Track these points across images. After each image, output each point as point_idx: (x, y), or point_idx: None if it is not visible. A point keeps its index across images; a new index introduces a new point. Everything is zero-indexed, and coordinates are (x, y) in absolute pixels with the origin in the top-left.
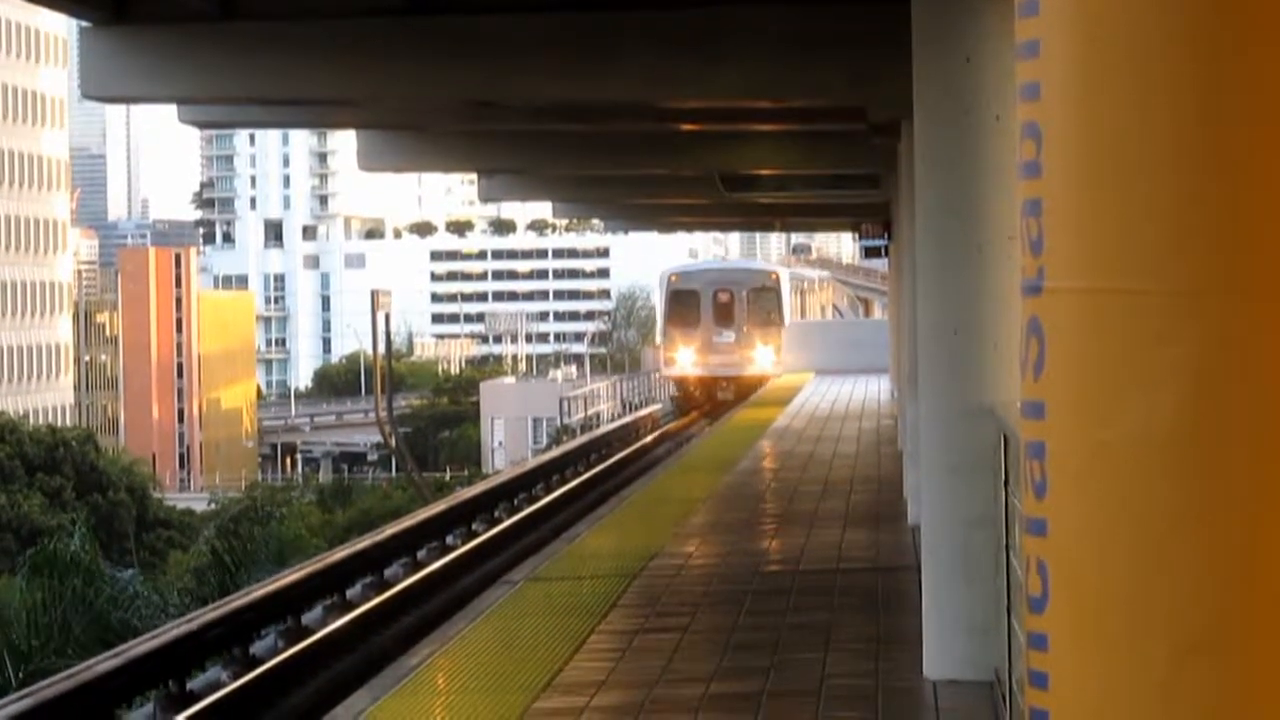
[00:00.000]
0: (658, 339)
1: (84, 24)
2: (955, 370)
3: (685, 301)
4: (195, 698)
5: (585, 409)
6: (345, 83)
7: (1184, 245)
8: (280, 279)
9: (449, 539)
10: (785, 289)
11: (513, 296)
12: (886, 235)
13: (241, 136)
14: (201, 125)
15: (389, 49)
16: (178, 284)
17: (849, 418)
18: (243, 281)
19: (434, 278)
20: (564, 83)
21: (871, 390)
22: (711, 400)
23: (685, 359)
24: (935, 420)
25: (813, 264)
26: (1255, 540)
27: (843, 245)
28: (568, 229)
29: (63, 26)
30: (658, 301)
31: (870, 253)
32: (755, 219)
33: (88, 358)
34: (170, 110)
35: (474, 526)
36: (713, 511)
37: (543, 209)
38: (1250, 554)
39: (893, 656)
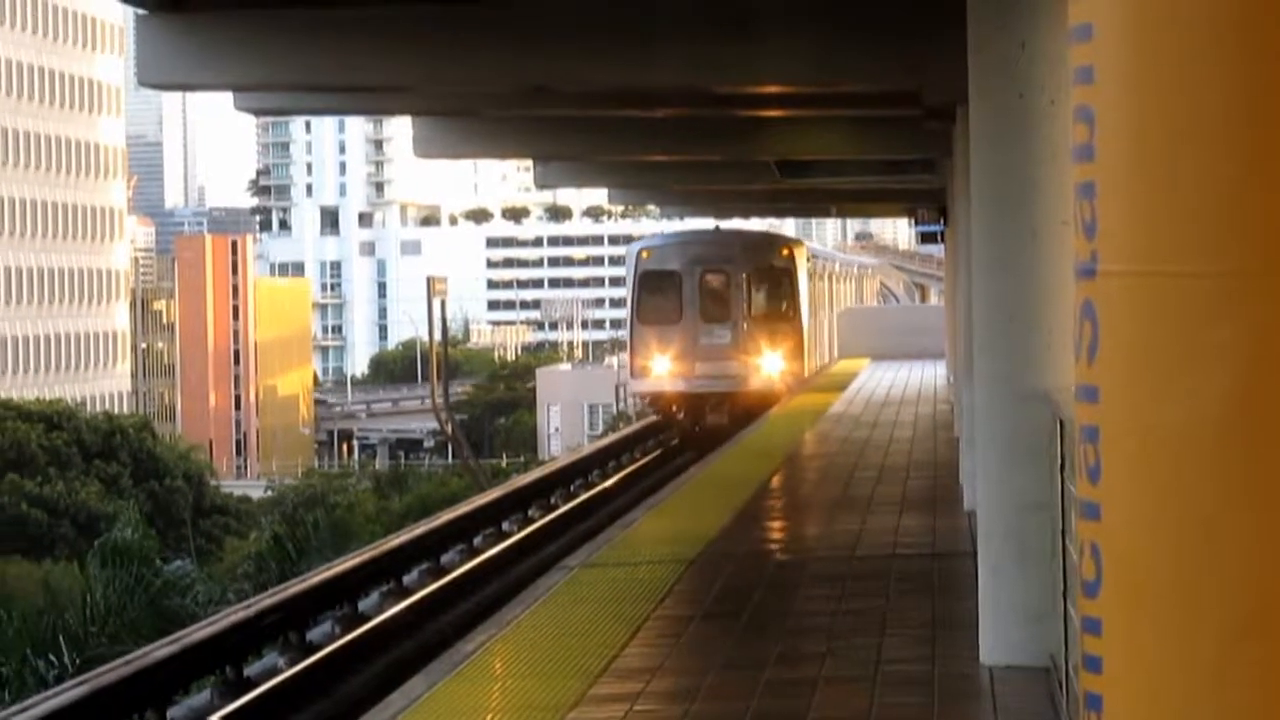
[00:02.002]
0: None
1: (140, 11)
2: (1010, 355)
3: (660, 287)
4: (252, 684)
5: None
6: (401, 69)
7: (1235, 227)
8: (336, 266)
9: (505, 525)
10: (802, 269)
11: (568, 283)
12: (942, 220)
13: (297, 123)
14: (257, 112)
15: (445, 34)
16: (234, 271)
17: (905, 403)
18: (299, 269)
19: (490, 264)
20: (615, 68)
21: (928, 376)
22: (698, 424)
23: (661, 368)
24: (991, 405)
25: (866, 250)
26: None
27: (899, 231)
28: (624, 215)
29: (119, 14)
30: (626, 286)
31: (926, 238)
32: (811, 205)
33: (145, 345)
34: (226, 97)
35: (530, 512)
36: (768, 496)
37: (598, 195)
38: None
39: (948, 642)
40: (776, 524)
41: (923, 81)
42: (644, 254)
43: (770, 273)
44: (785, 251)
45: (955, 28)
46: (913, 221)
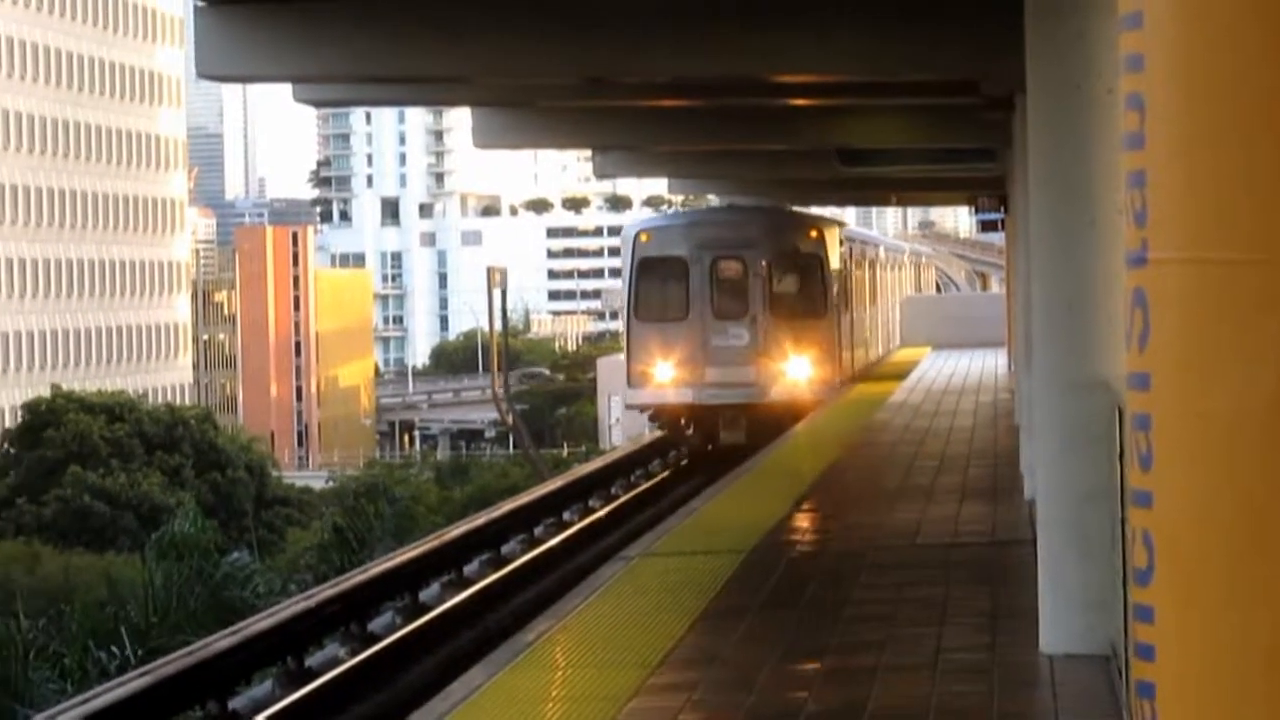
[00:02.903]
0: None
1: (199, 3)
2: (1069, 344)
3: (663, 277)
4: (313, 675)
5: None
6: (459, 60)
7: None
8: (397, 257)
9: (566, 515)
10: (834, 254)
11: None
12: (1002, 209)
13: (357, 115)
14: (317, 104)
15: (504, 25)
16: (295, 262)
17: (966, 392)
18: (359, 259)
19: (550, 254)
20: (674, 57)
21: (989, 364)
22: (710, 443)
23: (663, 376)
24: (1050, 394)
25: (927, 239)
26: None
27: (959, 219)
28: (684, 205)
29: (178, 6)
30: (623, 277)
31: (986, 226)
32: (872, 193)
33: (206, 337)
34: (286, 89)
35: (590, 502)
36: (828, 485)
37: (658, 185)
38: None
39: (1009, 631)
40: (836, 513)
41: (982, 71)
42: (642, 237)
43: (796, 259)
44: (814, 233)
45: (1014, 17)
46: (973, 210)
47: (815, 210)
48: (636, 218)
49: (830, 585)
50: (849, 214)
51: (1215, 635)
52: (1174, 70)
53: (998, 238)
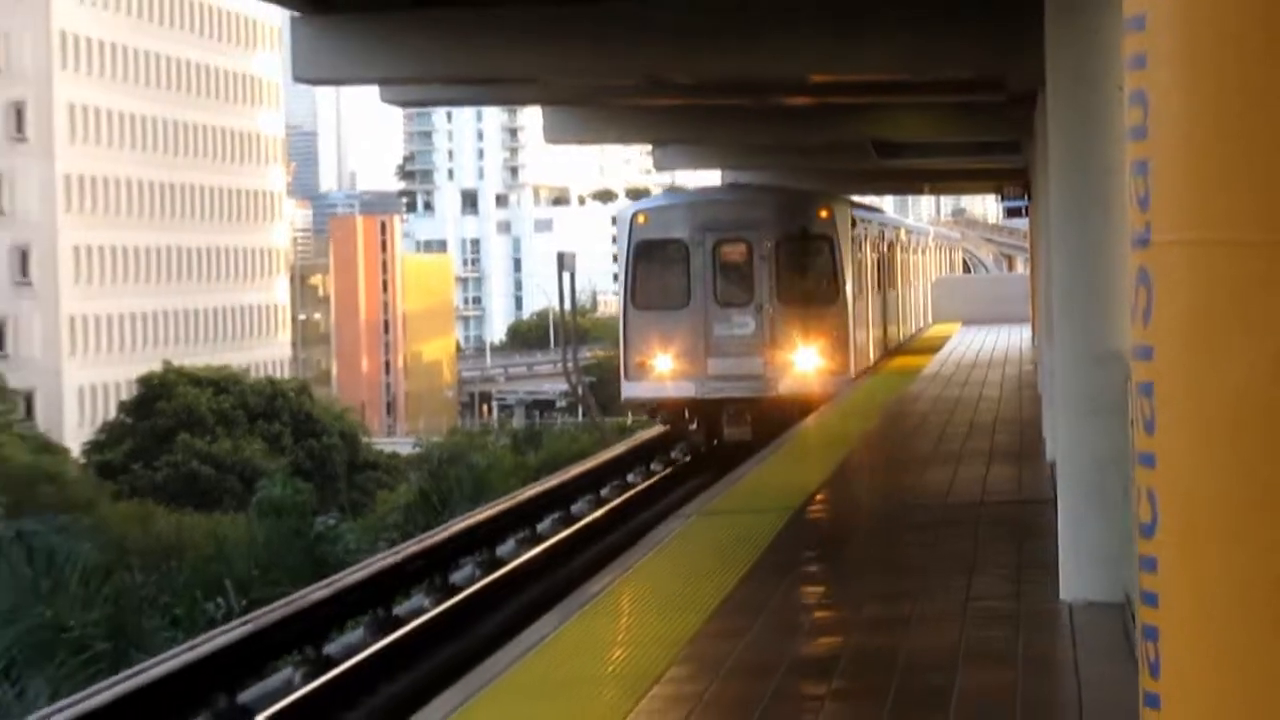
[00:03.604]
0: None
1: (294, 13)
2: (1087, 319)
3: (662, 261)
4: (400, 623)
5: None
6: (531, 62)
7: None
8: (475, 243)
9: (629, 477)
10: (844, 236)
11: None
12: (1026, 196)
13: (439, 114)
14: (402, 104)
15: (568, 31)
16: (383, 249)
17: (993, 364)
18: (441, 246)
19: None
20: (725, 59)
21: (1014, 339)
22: (715, 438)
23: (663, 367)
24: (1070, 365)
25: (958, 224)
26: None
27: (987, 206)
28: None
29: (276, 16)
30: (620, 262)
31: (1011, 213)
32: (906, 183)
33: (303, 316)
34: (374, 91)
35: (652, 465)
36: (867, 450)
37: (713, 176)
38: None
39: (1032, 581)
40: (874, 475)
41: (1006, 69)
42: (640, 218)
43: (805, 241)
44: (824, 213)
45: (1035, 19)
46: (999, 197)
47: (856, 198)
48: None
49: (869, 540)
50: (886, 202)
51: (1212, 583)
52: (1175, 63)
53: (1022, 223)
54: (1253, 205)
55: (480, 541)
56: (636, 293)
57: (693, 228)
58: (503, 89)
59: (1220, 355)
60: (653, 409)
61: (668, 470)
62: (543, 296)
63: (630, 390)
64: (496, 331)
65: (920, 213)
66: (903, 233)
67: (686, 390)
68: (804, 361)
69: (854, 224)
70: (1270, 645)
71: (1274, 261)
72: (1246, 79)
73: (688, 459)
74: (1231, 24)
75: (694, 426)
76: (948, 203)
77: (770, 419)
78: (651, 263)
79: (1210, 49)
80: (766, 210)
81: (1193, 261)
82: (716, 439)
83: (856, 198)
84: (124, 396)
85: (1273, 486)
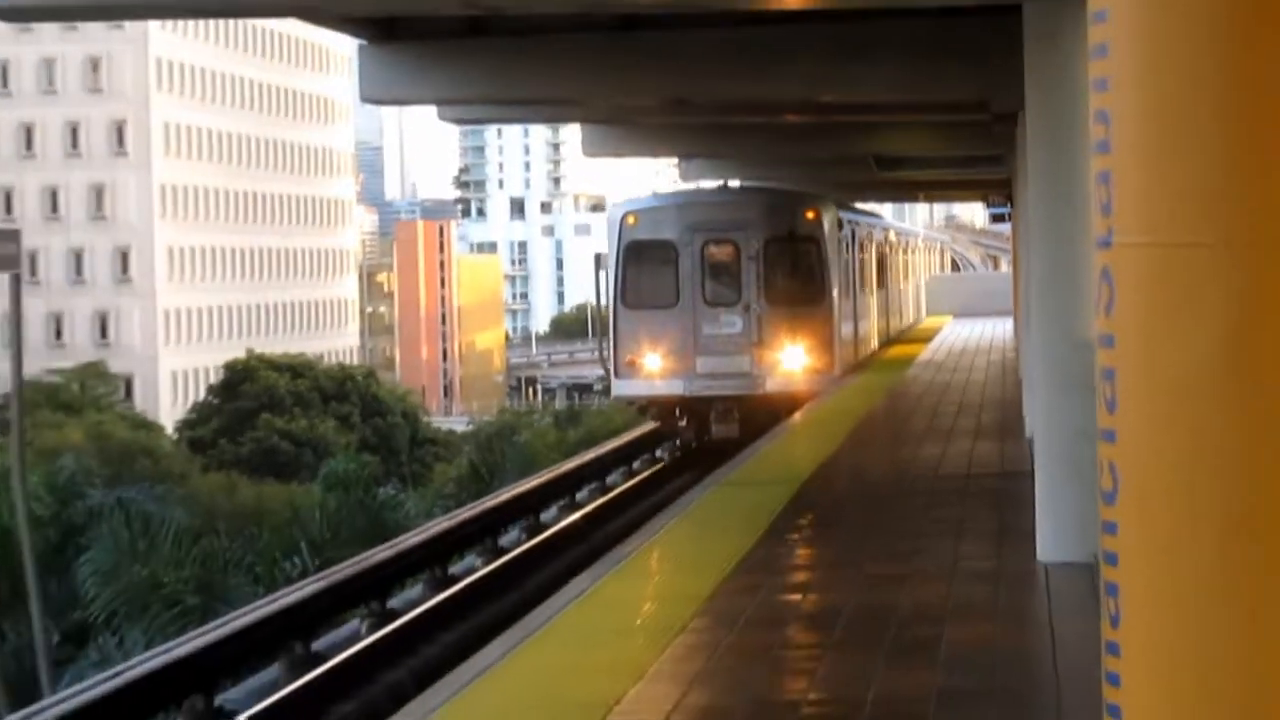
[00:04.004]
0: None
1: (363, 42)
2: (1061, 311)
3: (651, 261)
4: (455, 580)
5: None
6: (570, 85)
7: (1223, 208)
8: (523, 245)
9: (658, 452)
10: (830, 238)
11: None
12: (1008, 204)
13: (490, 130)
14: (457, 122)
15: (603, 58)
16: (441, 250)
17: (980, 352)
18: (492, 247)
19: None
20: (742, 83)
21: (998, 330)
22: (703, 436)
23: (652, 366)
24: (1046, 351)
25: (950, 228)
26: None
27: (975, 213)
28: None
29: (346, 44)
30: (608, 260)
31: (996, 218)
32: (903, 192)
33: (370, 310)
34: (433, 110)
35: (677, 442)
36: (868, 427)
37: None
38: None
39: (1012, 544)
40: (874, 450)
41: (991, 93)
42: (629, 219)
43: (792, 242)
44: (811, 214)
45: (1016, 49)
46: (986, 205)
47: (858, 204)
48: (625, 200)
49: (870, 507)
50: (886, 209)
51: (1163, 543)
52: (1134, 90)
53: (1005, 228)
54: (1199, 213)
55: (526, 508)
56: (626, 292)
57: (681, 228)
58: (546, 109)
59: (1171, 344)
60: (642, 406)
61: (694, 446)
62: (581, 292)
63: (620, 388)
64: (541, 323)
65: (916, 219)
66: (892, 234)
67: (675, 388)
68: (790, 360)
69: (840, 225)
70: (1211, 595)
71: (1216, 262)
72: (1194, 103)
73: (708, 438)
74: (1182, 54)
75: (683, 423)
76: (940, 210)
77: (757, 417)
78: (641, 263)
79: (1163, 74)
80: (754, 212)
81: (1148, 261)
82: (705, 436)
83: (860, 204)
84: (212, 380)
85: (1216, 459)
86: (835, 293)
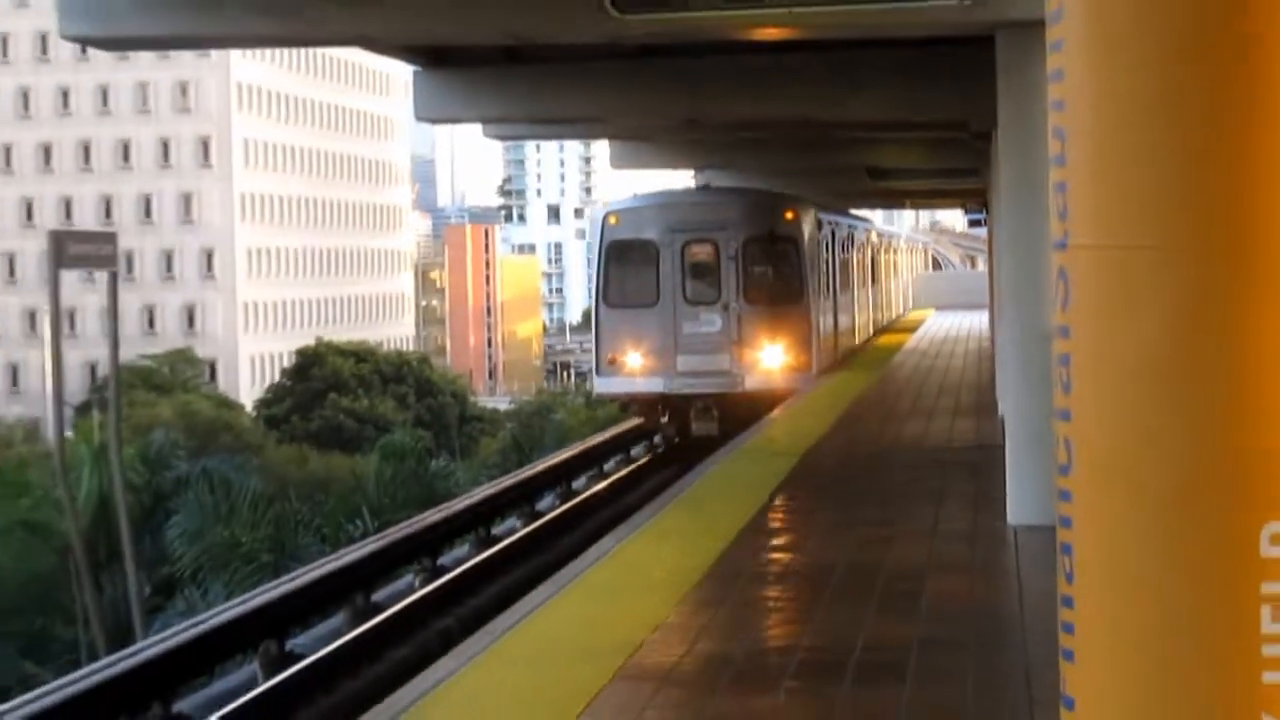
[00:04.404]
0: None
1: (417, 68)
2: (1029, 303)
3: (633, 261)
4: (497, 540)
5: None
6: (598, 106)
7: (1160, 218)
8: (558, 246)
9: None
10: (809, 238)
11: None
12: (984, 211)
13: (530, 145)
14: (500, 138)
15: (625, 82)
16: (486, 250)
17: (959, 340)
18: (531, 249)
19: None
20: (749, 104)
21: (975, 321)
22: (683, 433)
23: (633, 364)
24: (1016, 340)
25: (934, 232)
26: (1220, 413)
27: (955, 218)
28: None
29: (403, 69)
30: (592, 261)
31: (973, 223)
32: (892, 200)
33: (423, 303)
34: (479, 128)
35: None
36: (861, 406)
37: None
38: (1215, 422)
39: (986, 508)
40: (866, 426)
41: (969, 113)
42: (611, 219)
43: (771, 242)
44: (790, 215)
45: (990, 75)
46: (964, 211)
47: (855, 210)
48: (609, 202)
49: (862, 476)
50: (876, 215)
51: (1109, 509)
52: (1085, 112)
53: (981, 231)
54: (1141, 219)
55: (560, 477)
56: (608, 291)
57: (662, 229)
58: (577, 126)
59: (1118, 334)
60: (624, 404)
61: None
62: None
63: (602, 386)
64: (574, 315)
65: (904, 223)
66: (874, 235)
67: (656, 386)
68: (769, 358)
69: (819, 226)
70: (1151, 554)
71: (1156, 262)
72: (1137, 124)
73: (689, 435)
74: (1127, 81)
75: (665, 420)
76: (925, 216)
77: (736, 414)
78: (623, 262)
79: (1110, 97)
80: (734, 212)
81: (1098, 262)
82: (683, 435)
83: (854, 209)
84: (285, 364)
85: (1157, 435)
86: (813, 292)
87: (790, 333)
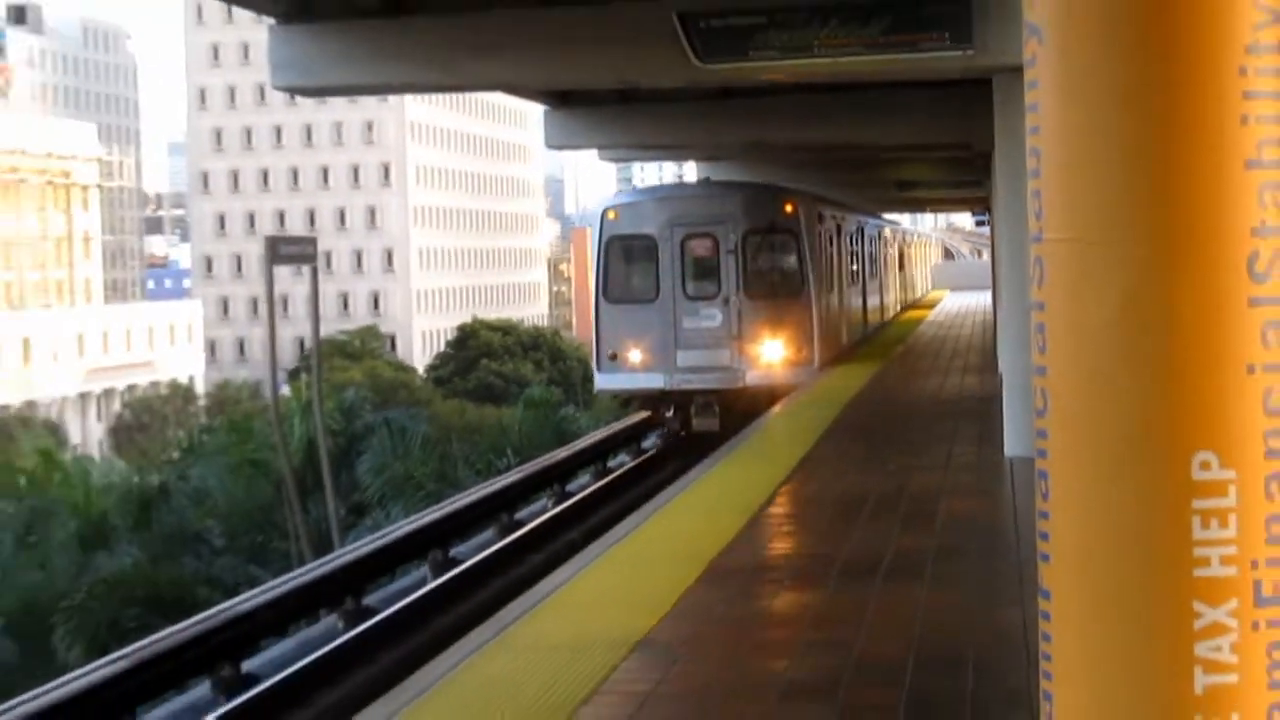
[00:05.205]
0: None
1: (547, 107)
2: (1018, 285)
3: (632, 256)
4: (611, 470)
5: None
6: (685, 135)
7: (1115, 215)
8: None
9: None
10: (810, 231)
11: None
12: (987, 213)
13: (635, 165)
14: (613, 160)
15: (708, 115)
16: None
17: (969, 314)
18: None
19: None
20: (803, 131)
21: (981, 299)
22: (684, 429)
23: (633, 359)
24: (1009, 313)
25: (949, 230)
26: (1158, 369)
27: (965, 220)
28: None
29: (536, 109)
30: (592, 256)
31: (979, 223)
32: (916, 206)
33: (554, 289)
34: (594, 153)
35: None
36: (891, 367)
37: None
38: (1154, 375)
39: (988, 444)
40: (895, 382)
41: (973, 136)
42: (610, 214)
43: (771, 235)
44: (789, 207)
45: (990, 107)
46: (972, 214)
47: (890, 217)
48: (608, 197)
49: (891, 421)
50: (904, 219)
51: (1074, 442)
52: (1055, 137)
53: (985, 229)
54: (1097, 220)
55: (659, 423)
56: (608, 286)
57: (661, 223)
58: (672, 150)
59: (1080, 308)
60: (625, 399)
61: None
62: None
63: (602, 381)
64: None
65: (925, 224)
66: (886, 230)
67: (656, 381)
68: (770, 353)
69: (821, 219)
70: (1108, 478)
71: (1110, 252)
72: (1094, 146)
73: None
74: (1084, 112)
75: (670, 414)
76: (942, 218)
77: (738, 409)
78: (622, 257)
79: (1072, 124)
80: (733, 205)
81: (1065, 252)
82: (685, 430)
83: (889, 215)
84: (448, 338)
85: (1111, 386)
86: (814, 285)
87: (791, 327)
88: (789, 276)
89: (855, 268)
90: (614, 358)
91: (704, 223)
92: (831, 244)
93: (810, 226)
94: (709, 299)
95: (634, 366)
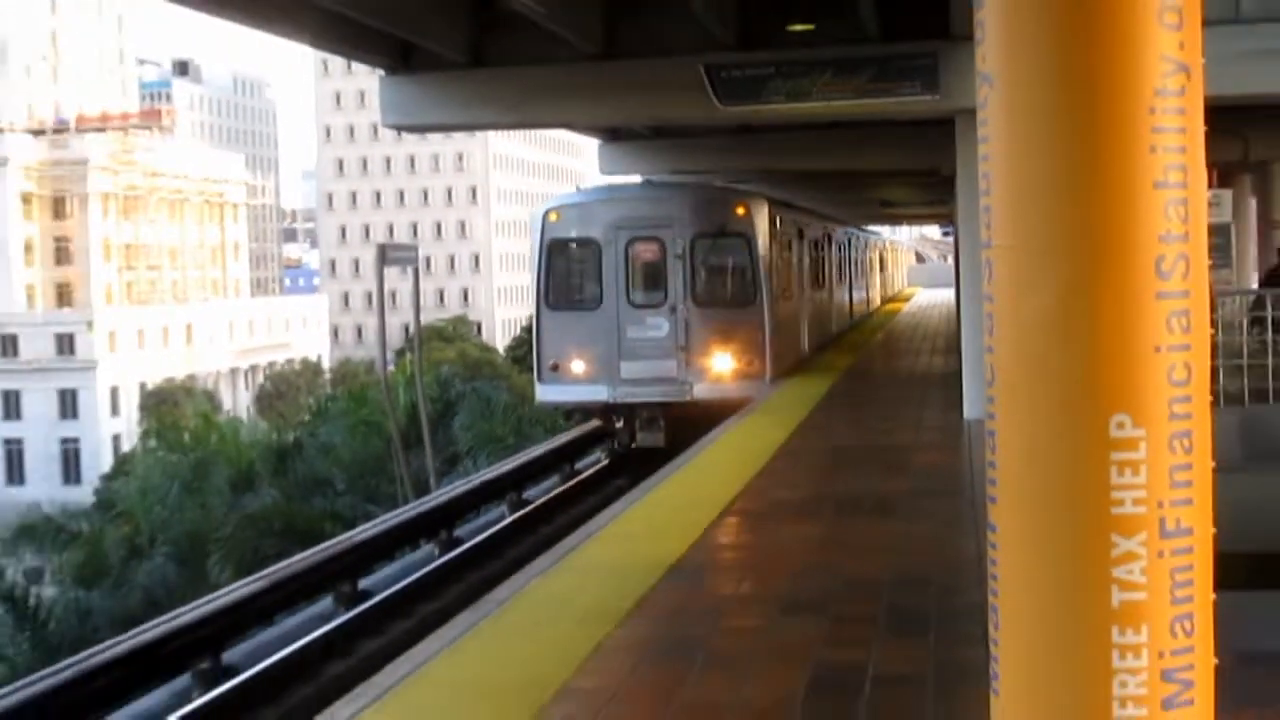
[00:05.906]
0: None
1: (600, 140)
2: (974, 282)
3: (574, 261)
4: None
5: None
6: (709, 163)
7: (1048, 228)
8: None
9: None
10: (763, 235)
11: None
12: (952, 225)
13: None
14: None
15: (728, 148)
16: None
17: (936, 307)
18: None
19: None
20: (806, 159)
21: (946, 295)
22: (631, 443)
23: (576, 370)
24: (968, 305)
25: (921, 240)
26: (1081, 346)
27: (934, 231)
28: None
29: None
30: (532, 261)
31: (945, 234)
32: (895, 219)
33: None
34: (638, 177)
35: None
36: (874, 349)
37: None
38: (1078, 351)
39: (950, 409)
40: (877, 360)
41: (940, 162)
42: (552, 216)
43: (721, 239)
44: (741, 210)
45: (952, 141)
46: (940, 226)
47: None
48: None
49: (873, 391)
50: (884, 231)
51: (1017, 407)
52: (1001, 160)
53: (949, 239)
54: (1034, 230)
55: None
56: (549, 292)
57: (605, 226)
58: (701, 177)
59: (1020, 302)
60: (567, 412)
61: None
62: None
63: (543, 393)
64: None
65: (901, 235)
66: (871, 238)
67: (599, 394)
68: (719, 365)
69: (777, 222)
70: (1044, 434)
71: (1045, 257)
72: (1032, 171)
73: (634, 445)
74: (1023, 145)
75: (620, 425)
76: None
77: (686, 425)
78: (564, 262)
79: (1015, 155)
80: (680, 208)
81: (1009, 256)
82: (632, 445)
83: (872, 227)
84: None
85: (1045, 364)
86: (768, 293)
87: (742, 337)
88: (741, 284)
89: (826, 272)
90: (555, 368)
91: (650, 225)
92: (790, 249)
93: (764, 230)
94: (655, 307)
95: (576, 378)
